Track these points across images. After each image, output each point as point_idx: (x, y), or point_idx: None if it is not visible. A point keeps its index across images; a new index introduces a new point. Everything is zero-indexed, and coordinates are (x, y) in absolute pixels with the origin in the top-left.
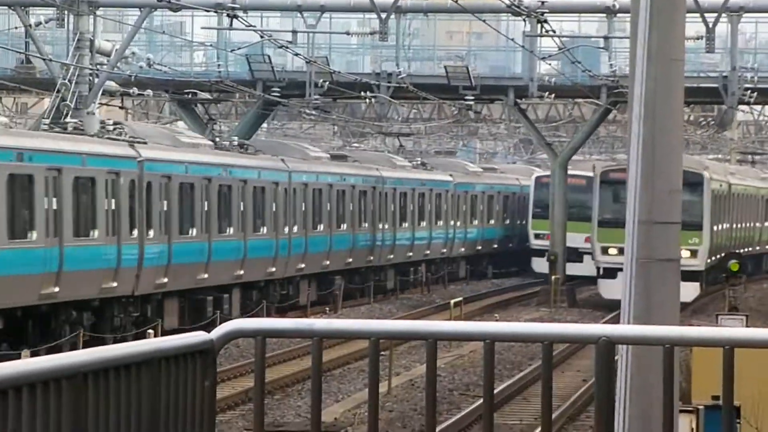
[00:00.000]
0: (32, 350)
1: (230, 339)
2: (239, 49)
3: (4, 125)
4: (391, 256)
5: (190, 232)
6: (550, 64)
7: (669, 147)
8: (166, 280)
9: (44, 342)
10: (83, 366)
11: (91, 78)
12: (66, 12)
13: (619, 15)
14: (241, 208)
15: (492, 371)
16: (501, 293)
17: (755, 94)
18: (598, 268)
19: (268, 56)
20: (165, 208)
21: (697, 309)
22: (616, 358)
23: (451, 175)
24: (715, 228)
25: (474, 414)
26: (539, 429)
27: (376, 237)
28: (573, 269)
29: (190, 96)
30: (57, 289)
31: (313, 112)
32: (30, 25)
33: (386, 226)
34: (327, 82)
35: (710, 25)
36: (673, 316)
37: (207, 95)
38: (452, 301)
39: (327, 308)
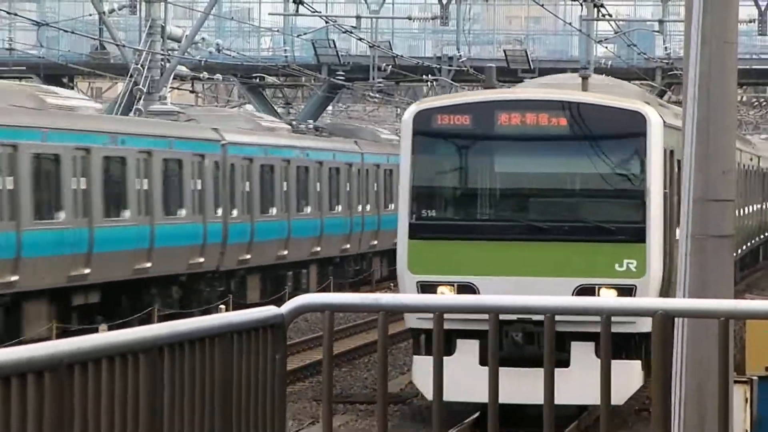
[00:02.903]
0: (110, 324)
1: (299, 313)
2: (305, 34)
3: (98, 110)
4: None
5: (271, 211)
6: (606, 48)
7: (723, 127)
8: (249, 256)
9: (135, 314)
10: (159, 339)
11: (162, 63)
12: None
13: None
14: (318, 188)
15: (553, 343)
16: None
17: None
18: (413, 333)
19: (333, 41)
20: (247, 189)
21: (751, 284)
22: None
23: None
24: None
25: None
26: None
27: None
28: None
29: (258, 80)
30: (149, 265)
31: (377, 95)
32: (103, 12)
33: None
34: (390, 66)
35: (762, 8)
36: (727, 289)
37: (274, 79)
38: None
39: (392, 284)
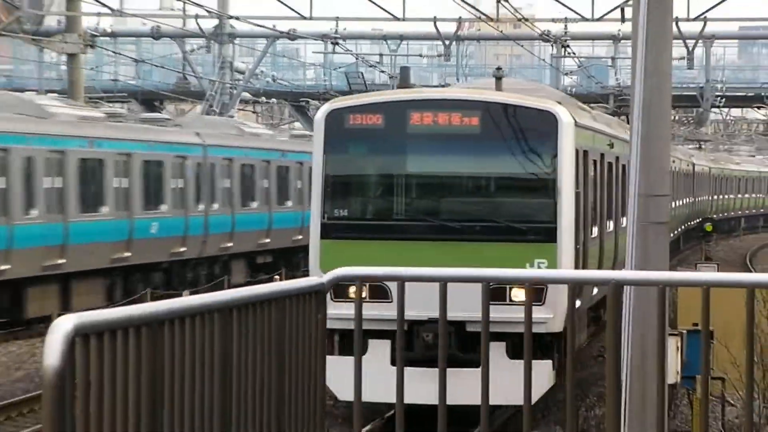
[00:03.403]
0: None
1: (336, 282)
2: (340, 68)
3: (271, 135)
4: None
5: None
6: (571, 78)
7: (660, 139)
8: None
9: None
10: (230, 302)
11: (230, 90)
12: (212, 41)
13: (623, 41)
14: None
15: (531, 309)
16: None
17: (723, 100)
18: (332, 334)
19: (362, 73)
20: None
21: (681, 260)
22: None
23: None
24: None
25: None
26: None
27: None
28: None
29: (304, 103)
30: (268, 240)
31: None
32: (185, 52)
33: None
34: None
35: (690, 48)
36: (663, 264)
37: (317, 102)
38: None
39: None
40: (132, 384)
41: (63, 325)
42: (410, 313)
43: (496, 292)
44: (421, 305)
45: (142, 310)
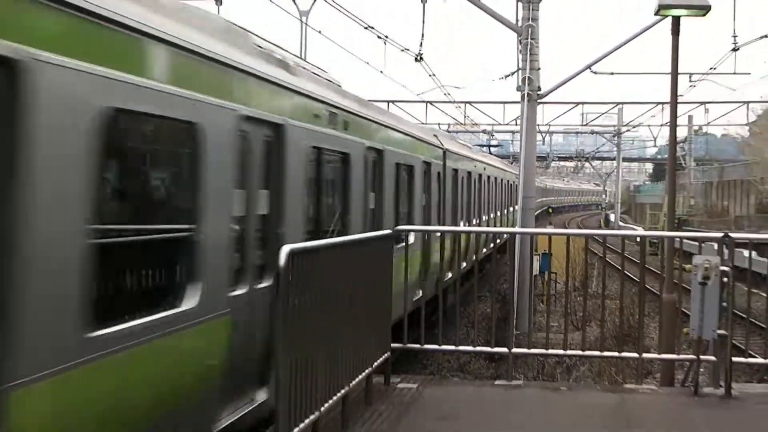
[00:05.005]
0: None
1: (399, 233)
2: None
3: None
4: None
5: None
6: (495, 150)
7: (530, 175)
8: None
9: None
10: (355, 241)
11: None
12: None
13: (516, 133)
14: None
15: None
16: None
17: (557, 158)
18: None
19: None
20: None
21: (538, 224)
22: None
23: None
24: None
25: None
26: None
27: None
28: None
29: None
30: None
31: None
32: None
33: None
34: None
35: (543, 136)
36: (531, 226)
37: None
38: None
39: None
40: (317, 280)
41: (285, 249)
42: None
43: None
44: None
45: (320, 243)
